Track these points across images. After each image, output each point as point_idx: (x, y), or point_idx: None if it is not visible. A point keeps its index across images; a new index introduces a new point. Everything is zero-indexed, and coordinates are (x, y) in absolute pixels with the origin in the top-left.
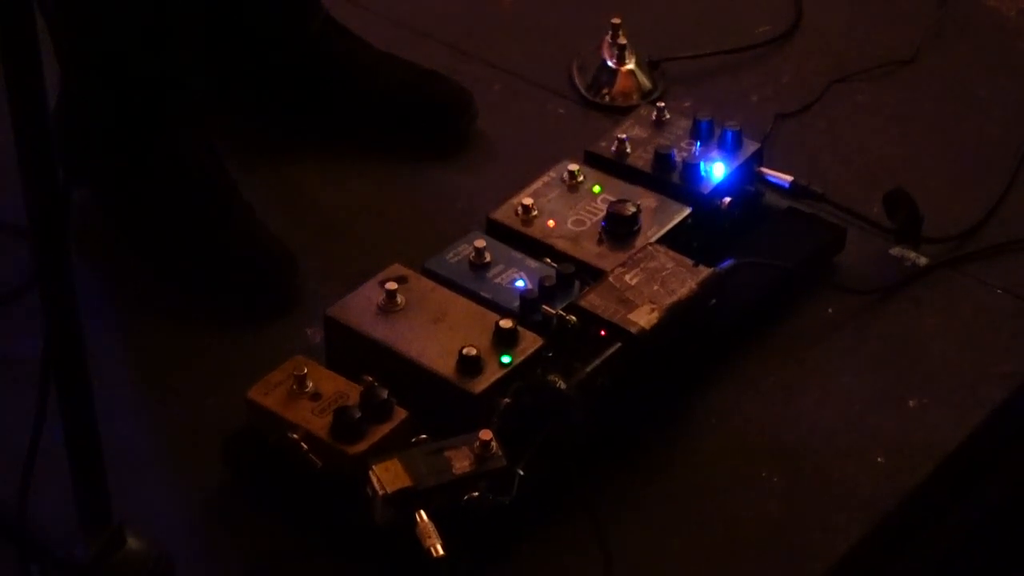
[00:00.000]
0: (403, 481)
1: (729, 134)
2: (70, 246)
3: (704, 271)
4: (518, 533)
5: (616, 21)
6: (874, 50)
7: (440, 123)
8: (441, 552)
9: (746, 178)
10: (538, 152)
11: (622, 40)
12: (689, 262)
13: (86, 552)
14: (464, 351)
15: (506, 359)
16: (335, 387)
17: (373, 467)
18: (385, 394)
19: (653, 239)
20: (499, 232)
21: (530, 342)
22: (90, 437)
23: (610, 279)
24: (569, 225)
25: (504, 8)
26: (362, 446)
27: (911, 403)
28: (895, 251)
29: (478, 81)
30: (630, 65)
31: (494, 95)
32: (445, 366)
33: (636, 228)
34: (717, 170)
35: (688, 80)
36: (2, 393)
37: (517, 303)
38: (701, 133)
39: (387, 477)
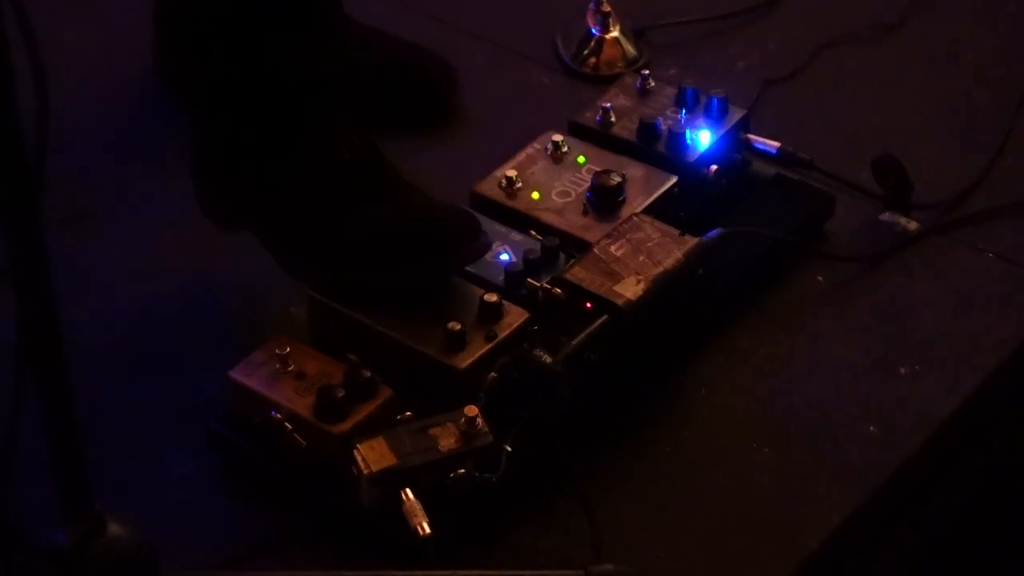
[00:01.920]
0: (388, 460)
1: (715, 101)
2: (43, 229)
3: (691, 241)
4: (506, 511)
5: None
6: (862, 14)
7: (423, 96)
8: (428, 531)
9: (733, 146)
10: (522, 123)
11: (606, 8)
12: (675, 232)
13: (68, 539)
14: (449, 326)
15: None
16: (319, 366)
17: (358, 446)
18: (369, 372)
19: (639, 209)
20: (483, 205)
21: (515, 316)
22: (67, 421)
23: (595, 251)
24: (554, 197)
25: None
26: (346, 425)
27: (903, 371)
28: (885, 217)
29: (461, 52)
30: (614, 33)
31: (478, 66)
32: (429, 342)
33: (621, 199)
34: (703, 138)
35: (673, 47)
36: None
37: (502, 277)
38: (687, 101)
39: (372, 456)
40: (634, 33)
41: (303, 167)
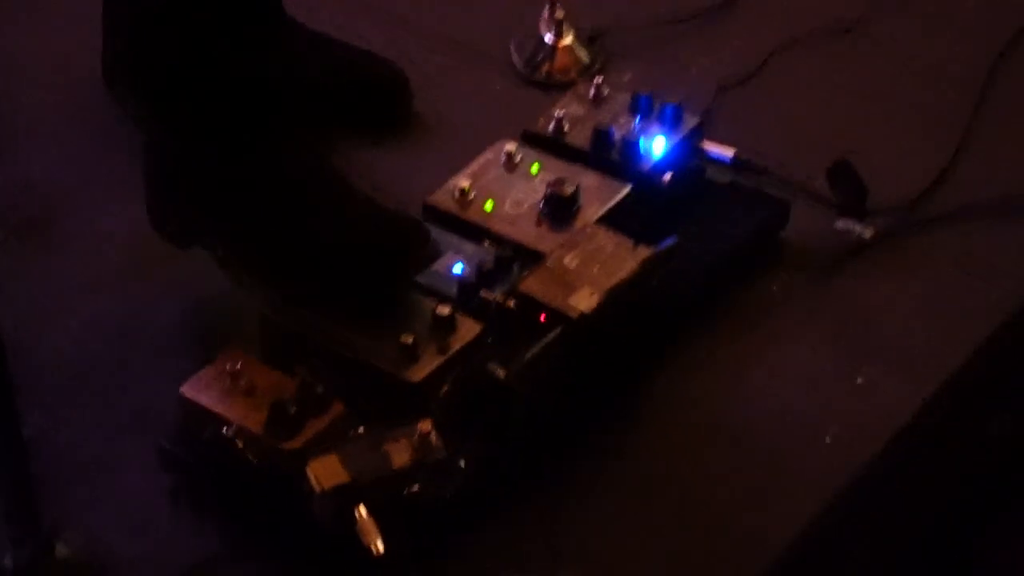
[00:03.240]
0: (341, 476)
1: (669, 109)
2: None
3: (645, 251)
4: (461, 526)
5: None
6: (816, 17)
7: (374, 105)
8: (382, 549)
9: (687, 153)
10: (476, 132)
11: (559, 15)
12: (630, 242)
13: (15, 561)
14: (401, 340)
15: None
16: (270, 381)
17: (310, 463)
18: (321, 388)
19: (593, 219)
20: (436, 216)
21: (469, 329)
22: (11, 440)
23: (549, 262)
24: (507, 207)
25: None
26: (298, 441)
27: (861, 378)
28: (840, 224)
29: (413, 60)
30: (568, 40)
31: (430, 73)
32: (382, 356)
33: (576, 208)
34: (657, 146)
35: (627, 54)
36: None
37: (455, 289)
38: (640, 108)
39: (325, 473)
40: (588, 39)
41: (250, 177)
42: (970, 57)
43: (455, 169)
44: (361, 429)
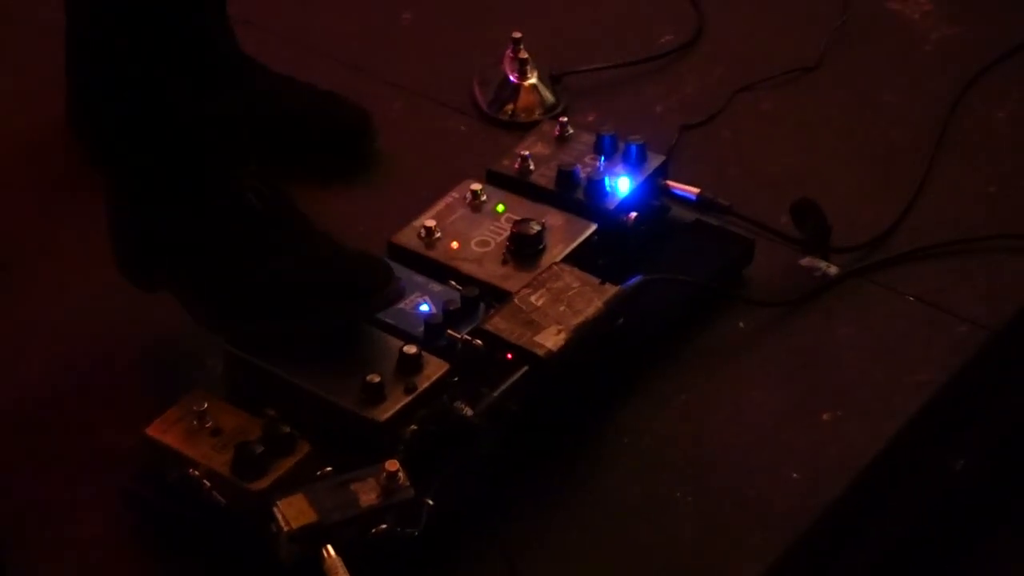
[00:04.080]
0: (308, 516)
1: (633, 148)
2: None
3: (611, 289)
4: (428, 566)
5: (517, 35)
6: (778, 57)
7: (339, 145)
8: None
9: (652, 192)
10: (440, 171)
11: (523, 55)
12: (595, 281)
13: None
14: (367, 379)
15: None
16: (236, 422)
17: (277, 503)
18: (287, 427)
19: (559, 258)
20: (402, 255)
21: (435, 368)
22: None
23: (515, 301)
24: (473, 246)
25: (402, 25)
26: (265, 482)
27: (825, 416)
28: (804, 262)
29: (377, 100)
30: (532, 80)
31: (394, 114)
32: (348, 395)
33: (541, 247)
34: (622, 185)
35: (591, 93)
36: None
37: (421, 328)
38: (605, 148)
39: (292, 512)
40: (551, 79)
41: (211, 216)
42: (927, 97)
43: (420, 208)
44: (328, 468)
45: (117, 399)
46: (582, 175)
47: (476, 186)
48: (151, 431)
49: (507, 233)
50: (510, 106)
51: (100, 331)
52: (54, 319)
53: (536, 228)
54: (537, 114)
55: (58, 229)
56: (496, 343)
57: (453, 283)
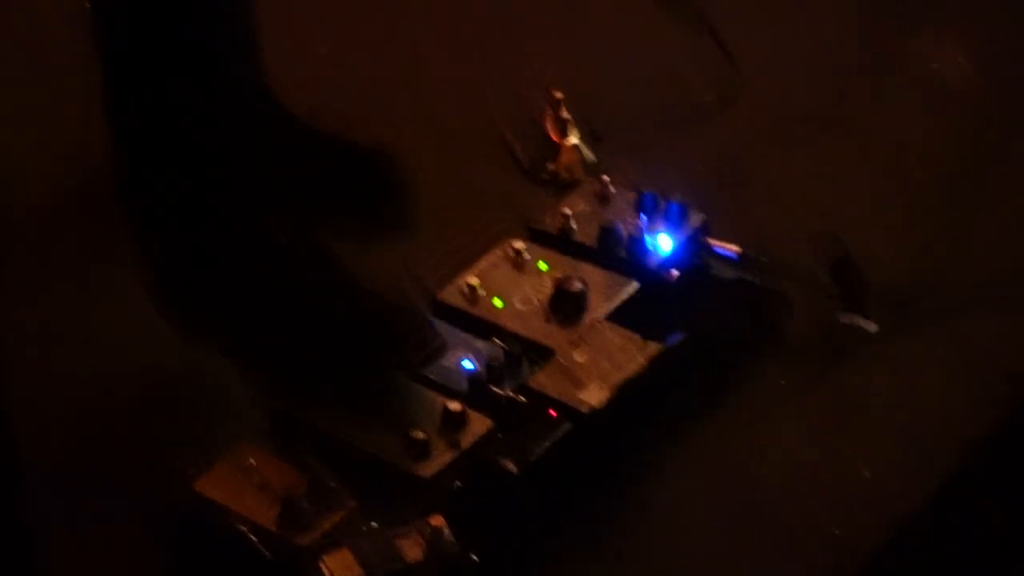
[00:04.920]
0: (354, 571)
1: (674, 207)
2: None
3: (653, 346)
4: None
5: (558, 95)
6: (816, 112)
7: (380, 200)
8: None
9: (693, 250)
10: (481, 228)
11: (565, 114)
12: (637, 338)
13: None
14: (413, 435)
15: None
16: (282, 476)
17: (323, 558)
18: (333, 482)
19: (601, 315)
20: (446, 313)
21: (479, 424)
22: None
23: (559, 357)
24: (516, 303)
25: (443, 80)
26: (311, 536)
27: (865, 471)
28: (844, 317)
29: (418, 156)
30: (573, 139)
31: (435, 170)
32: (394, 451)
33: (584, 305)
34: (663, 243)
35: (631, 151)
36: None
37: (465, 384)
38: (646, 206)
39: (337, 567)
40: (592, 138)
41: (246, 265)
42: (968, 151)
43: (460, 264)
44: (374, 524)
45: (163, 454)
46: (624, 233)
47: (519, 244)
48: (199, 485)
49: (550, 291)
50: (551, 165)
51: (148, 384)
52: (98, 370)
53: (579, 286)
54: (578, 173)
55: (104, 280)
56: (540, 399)
57: (496, 340)
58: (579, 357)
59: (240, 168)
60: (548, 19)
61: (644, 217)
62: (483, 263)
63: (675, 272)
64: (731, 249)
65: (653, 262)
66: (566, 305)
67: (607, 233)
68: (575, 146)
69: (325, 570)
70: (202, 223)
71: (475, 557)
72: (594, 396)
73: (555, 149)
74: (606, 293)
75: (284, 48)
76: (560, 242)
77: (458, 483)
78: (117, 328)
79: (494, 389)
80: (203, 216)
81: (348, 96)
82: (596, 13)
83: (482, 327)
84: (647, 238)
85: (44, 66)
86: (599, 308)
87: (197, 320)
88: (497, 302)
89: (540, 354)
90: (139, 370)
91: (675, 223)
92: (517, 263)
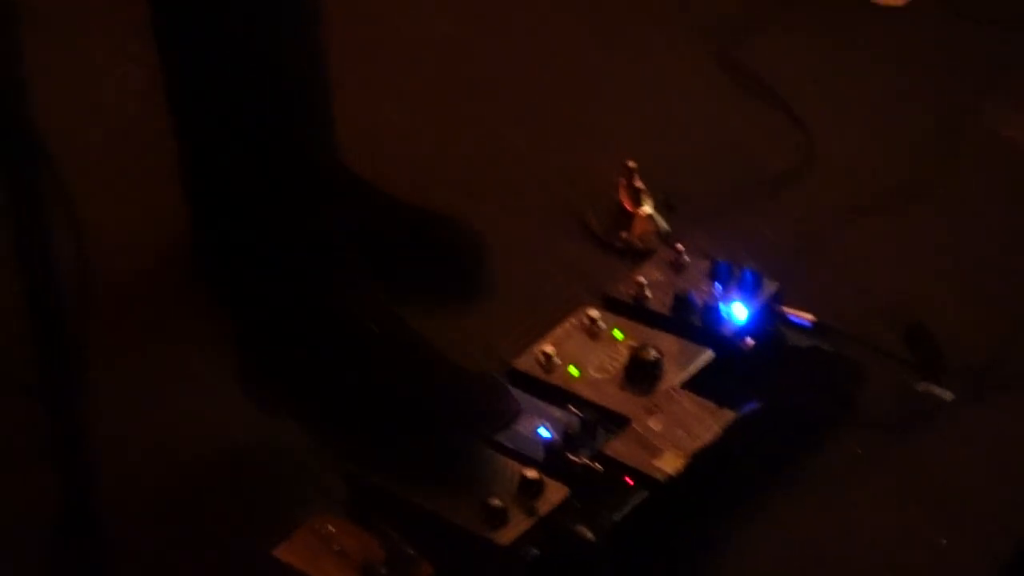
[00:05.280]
0: None
1: (748, 275)
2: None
3: (728, 414)
4: None
5: (632, 165)
6: (888, 180)
7: (455, 268)
8: None
9: (767, 318)
10: (556, 296)
11: (638, 183)
12: (713, 406)
13: None
14: (489, 502)
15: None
16: (360, 544)
17: None
18: (411, 550)
19: (676, 383)
20: (521, 380)
21: (556, 492)
22: None
23: (634, 425)
24: (591, 371)
25: (516, 150)
26: None
27: (943, 541)
28: (919, 386)
29: (492, 225)
30: (646, 208)
31: (509, 239)
32: (470, 518)
33: (659, 373)
34: (738, 312)
35: (705, 220)
36: None
37: (542, 452)
38: (720, 275)
39: None
40: (665, 206)
41: (326, 337)
42: None
43: (536, 333)
44: None
45: (241, 521)
46: (698, 301)
47: (594, 312)
48: (279, 553)
49: (625, 359)
50: (625, 233)
51: (224, 450)
52: (175, 433)
53: (654, 354)
54: (652, 241)
55: (184, 343)
56: (616, 467)
57: (572, 408)
58: (655, 425)
59: (318, 238)
60: (622, 90)
61: (718, 285)
62: (559, 331)
63: (749, 340)
64: (805, 317)
65: (727, 330)
66: (641, 373)
67: (681, 301)
68: (649, 215)
69: None
70: (280, 293)
71: None
72: (670, 464)
73: (629, 218)
74: (681, 361)
75: (362, 121)
76: (635, 310)
77: (535, 551)
78: (198, 399)
79: (570, 457)
80: (281, 286)
81: (423, 167)
82: (670, 84)
83: (558, 395)
84: (721, 306)
85: (131, 139)
86: (674, 376)
87: (275, 390)
88: (573, 370)
89: (616, 422)
90: (219, 441)
91: (749, 291)
92: (592, 331)
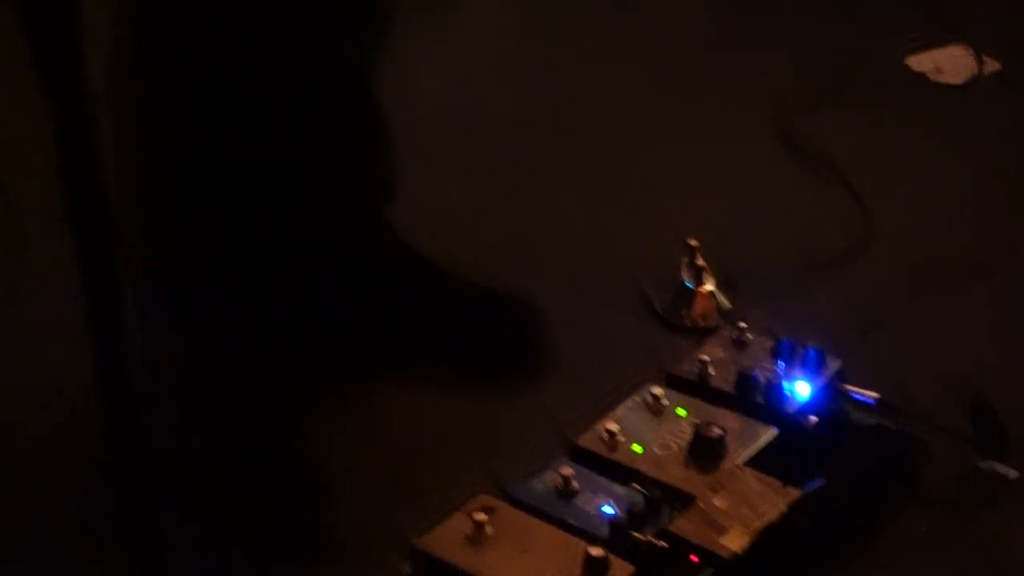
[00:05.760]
0: None
1: (811, 353)
2: None
3: (793, 492)
4: None
5: (693, 243)
6: (949, 256)
7: (518, 345)
8: None
9: (831, 396)
10: (618, 373)
11: (700, 262)
12: (777, 483)
13: None
14: None
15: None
16: None
17: None
18: None
19: (740, 461)
20: (585, 458)
21: (621, 570)
22: None
23: (699, 503)
24: (655, 449)
25: (577, 230)
26: None
27: None
28: (983, 463)
29: (553, 302)
30: (708, 286)
31: (570, 316)
32: None
33: (723, 451)
34: (801, 389)
35: (766, 296)
36: None
37: (606, 530)
38: (783, 352)
39: None
40: (727, 284)
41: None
42: None
43: (598, 410)
44: None
45: None
46: (761, 379)
47: (657, 390)
48: None
49: (689, 436)
50: (686, 311)
51: None
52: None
53: (718, 432)
54: (713, 319)
55: None
56: (681, 545)
57: (636, 485)
58: (719, 503)
59: (379, 312)
60: (682, 166)
61: (781, 363)
62: (621, 409)
63: (813, 418)
64: (868, 395)
65: (791, 408)
66: (705, 451)
67: (744, 379)
68: (711, 292)
69: None
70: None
71: None
72: (735, 542)
73: (691, 295)
74: (744, 439)
75: (423, 197)
76: (698, 388)
77: None
78: None
79: (635, 534)
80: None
81: (485, 244)
82: (730, 160)
83: (622, 473)
84: (785, 384)
85: None
86: (738, 454)
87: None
88: (636, 448)
89: (680, 500)
90: None
91: (812, 369)
92: (656, 409)
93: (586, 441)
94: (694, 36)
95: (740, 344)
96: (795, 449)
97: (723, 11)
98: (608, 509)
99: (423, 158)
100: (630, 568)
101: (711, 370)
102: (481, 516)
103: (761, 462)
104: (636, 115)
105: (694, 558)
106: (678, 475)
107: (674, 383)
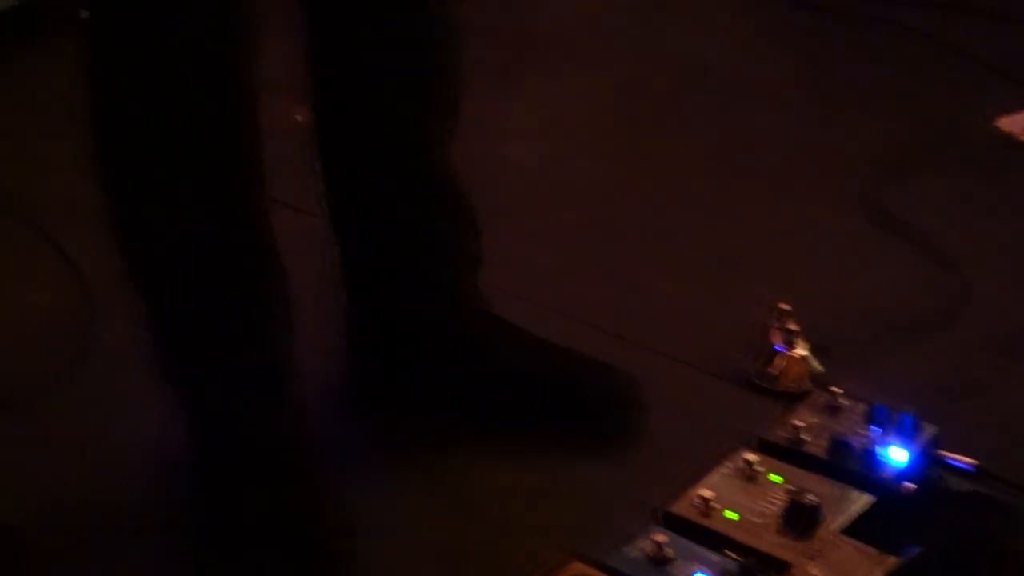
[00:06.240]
0: None
1: (906, 419)
2: None
3: (889, 560)
4: None
5: (785, 307)
6: None
7: (606, 413)
8: None
9: (926, 462)
10: (711, 440)
11: (792, 326)
12: (873, 551)
13: None
14: None
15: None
16: None
17: None
18: None
19: (836, 529)
20: (678, 525)
21: None
22: None
23: (794, 571)
24: (749, 516)
25: (665, 294)
26: None
27: None
28: None
29: (643, 369)
30: (800, 351)
31: (660, 382)
32: None
33: (818, 518)
34: (897, 456)
35: (859, 362)
36: None
37: None
38: (877, 418)
39: None
40: (819, 349)
41: None
42: None
43: (691, 477)
44: None
45: None
46: (856, 445)
47: (751, 456)
48: None
49: (783, 503)
50: (779, 376)
51: None
52: None
53: (813, 500)
54: (806, 384)
55: None
56: None
57: (730, 553)
58: (815, 571)
59: (469, 381)
60: (770, 231)
61: (876, 429)
62: (715, 476)
63: (909, 485)
64: (966, 461)
65: (886, 475)
66: (800, 518)
67: (839, 445)
68: (803, 357)
69: None
70: None
71: None
72: None
73: (783, 361)
74: (840, 506)
75: (511, 265)
76: (792, 454)
77: None
78: None
79: None
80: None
81: (573, 311)
82: (819, 225)
83: (715, 540)
84: (879, 450)
85: None
86: (833, 521)
87: None
88: (730, 514)
89: (775, 567)
90: None
91: (907, 435)
92: (749, 475)
93: (679, 508)
94: (783, 104)
95: (833, 409)
96: (891, 516)
97: (810, 80)
98: None
99: (512, 227)
100: None
101: (805, 436)
102: None
103: (857, 530)
104: (723, 182)
105: None
106: (773, 542)
107: (767, 449)
